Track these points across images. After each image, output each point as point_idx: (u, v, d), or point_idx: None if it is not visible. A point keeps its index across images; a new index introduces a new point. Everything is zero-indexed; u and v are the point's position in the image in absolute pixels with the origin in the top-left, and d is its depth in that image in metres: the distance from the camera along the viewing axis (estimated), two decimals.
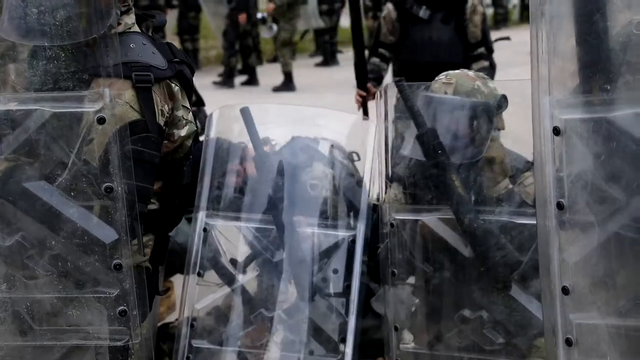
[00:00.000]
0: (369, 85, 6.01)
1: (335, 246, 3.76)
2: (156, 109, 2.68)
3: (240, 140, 3.86)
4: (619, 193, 2.04)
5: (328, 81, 14.18)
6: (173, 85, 2.75)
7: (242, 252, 3.80)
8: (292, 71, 13.38)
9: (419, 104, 3.33)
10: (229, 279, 3.76)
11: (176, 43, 13.42)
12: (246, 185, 3.84)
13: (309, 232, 3.74)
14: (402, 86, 3.29)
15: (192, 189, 3.98)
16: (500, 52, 15.72)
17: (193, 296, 3.74)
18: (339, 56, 16.68)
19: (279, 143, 3.97)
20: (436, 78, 3.44)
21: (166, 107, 2.72)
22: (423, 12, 6.48)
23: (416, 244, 3.31)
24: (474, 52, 6.49)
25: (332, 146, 3.93)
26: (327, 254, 3.75)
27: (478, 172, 3.29)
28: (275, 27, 13.51)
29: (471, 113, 3.33)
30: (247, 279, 3.76)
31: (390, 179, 3.42)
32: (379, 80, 6.40)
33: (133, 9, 2.82)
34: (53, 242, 2.42)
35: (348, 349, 3.64)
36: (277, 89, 13.10)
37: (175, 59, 2.78)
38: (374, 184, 3.78)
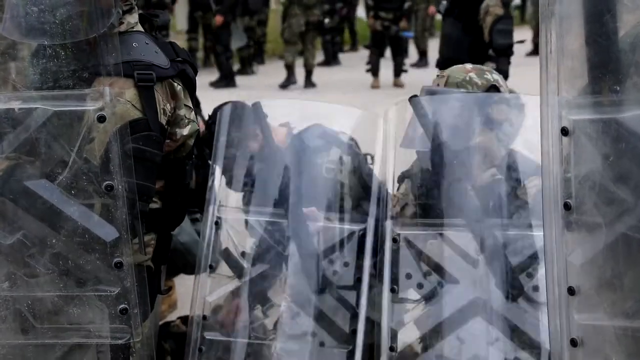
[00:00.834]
0: None
1: (346, 239, 3.77)
2: (158, 108, 2.69)
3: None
4: (627, 194, 2.03)
5: (329, 80, 14.19)
6: (175, 84, 2.76)
7: (252, 244, 3.82)
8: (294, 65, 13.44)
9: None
10: (240, 272, 3.78)
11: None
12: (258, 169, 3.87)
13: (320, 225, 3.75)
14: (416, 102, 3.30)
15: (195, 190, 4.00)
16: None
17: (205, 289, 3.76)
18: (341, 56, 16.69)
19: (298, 128, 4.01)
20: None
21: (168, 106, 2.73)
22: (442, 7, 6.58)
23: (421, 260, 3.31)
24: (487, 53, 6.50)
25: (351, 138, 3.95)
26: (338, 246, 3.76)
27: (471, 159, 3.30)
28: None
29: (459, 103, 3.36)
30: (258, 271, 3.78)
31: (399, 180, 3.43)
32: None
33: (136, 8, 2.83)
34: (54, 241, 2.42)
35: (359, 340, 3.65)
36: (283, 86, 13.17)
37: (178, 58, 2.79)
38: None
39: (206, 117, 4.74)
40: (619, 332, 2.14)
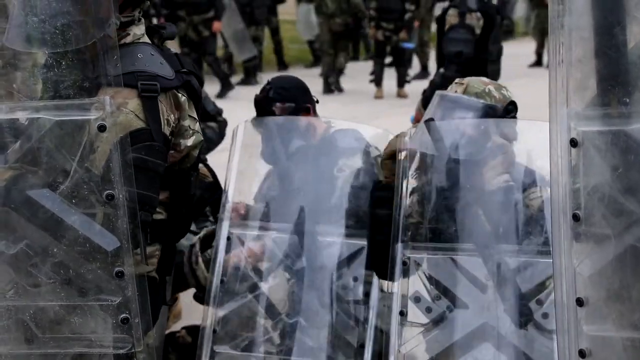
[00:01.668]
0: None
1: (356, 254, 3.78)
2: (162, 119, 2.70)
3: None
4: (636, 206, 2.03)
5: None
6: (180, 95, 2.77)
7: (264, 259, 3.85)
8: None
9: (433, 101, 3.36)
10: (251, 286, 3.80)
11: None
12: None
13: (329, 240, 3.77)
14: (431, 125, 3.31)
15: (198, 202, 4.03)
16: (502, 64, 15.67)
17: (215, 303, 3.77)
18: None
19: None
20: None
21: (172, 117, 2.74)
22: None
23: (430, 283, 3.31)
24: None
25: (378, 155, 3.97)
26: (347, 261, 3.78)
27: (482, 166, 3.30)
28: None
29: (478, 113, 3.36)
30: (269, 286, 3.79)
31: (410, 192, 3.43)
32: None
33: (142, 20, 2.84)
34: (56, 250, 2.43)
35: (367, 355, 3.66)
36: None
37: (183, 70, 2.80)
38: None
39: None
40: (627, 344, 2.15)
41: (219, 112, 5.80)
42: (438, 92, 3.51)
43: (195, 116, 2.87)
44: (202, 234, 4.17)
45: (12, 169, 2.45)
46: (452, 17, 6.80)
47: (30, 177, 2.43)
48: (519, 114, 3.55)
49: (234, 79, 14.32)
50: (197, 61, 13.33)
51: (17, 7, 2.40)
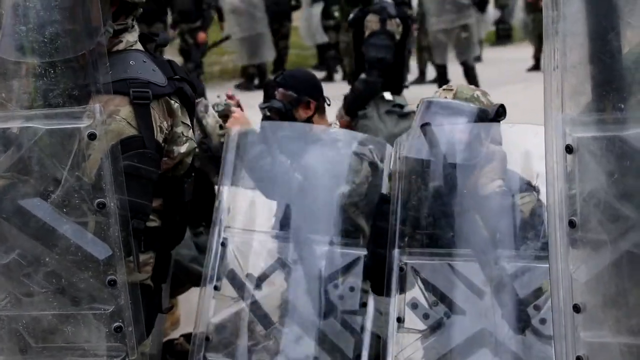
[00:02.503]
0: None
1: (352, 264, 3.78)
2: (154, 126, 2.69)
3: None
4: (632, 211, 2.03)
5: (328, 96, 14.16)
6: (172, 102, 2.76)
7: (258, 267, 3.83)
8: None
9: (421, 108, 3.36)
10: (244, 293, 3.79)
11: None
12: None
13: (326, 249, 3.76)
14: (428, 130, 3.30)
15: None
16: (495, 69, 15.71)
17: (209, 310, 3.76)
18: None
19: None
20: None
21: (165, 124, 2.74)
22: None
23: (427, 290, 3.30)
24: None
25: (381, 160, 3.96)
26: (343, 271, 3.77)
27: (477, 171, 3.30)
28: None
29: (471, 117, 3.36)
30: (263, 294, 3.78)
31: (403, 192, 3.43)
32: None
33: (135, 27, 2.84)
34: (48, 259, 2.43)
35: None
36: None
37: (176, 76, 2.79)
38: None
39: None
40: (624, 349, 2.14)
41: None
42: (425, 99, 3.51)
43: (189, 123, 2.86)
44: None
45: (3, 178, 2.45)
46: (373, 23, 6.97)
47: (21, 187, 2.43)
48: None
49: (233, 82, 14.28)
50: (196, 67, 13.35)
51: (8, 17, 2.40)
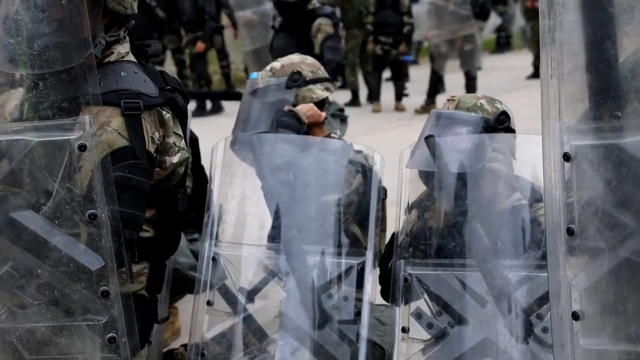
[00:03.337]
0: None
1: (345, 273, 3.77)
2: (146, 136, 2.69)
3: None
4: (630, 219, 2.04)
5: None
6: (164, 112, 2.76)
7: (251, 280, 3.82)
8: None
9: (428, 120, 3.38)
10: (238, 308, 3.78)
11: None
12: None
13: (318, 260, 3.75)
14: (431, 142, 3.32)
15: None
16: (495, 76, 15.73)
17: (202, 325, 3.75)
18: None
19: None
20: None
21: (157, 134, 2.74)
22: (277, 23, 7.16)
23: (432, 300, 3.31)
24: None
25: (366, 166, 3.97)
26: (336, 281, 3.76)
27: (486, 185, 3.31)
28: None
29: (472, 127, 3.38)
30: (257, 307, 3.77)
31: (409, 208, 3.44)
32: None
33: (127, 38, 2.85)
34: (41, 271, 2.43)
35: None
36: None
37: (168, 87, 2.80)
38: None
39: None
40: (623, 357, 2.14)
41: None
42: (433, 111, 3.55)
43: (181, 133, 2.86)
44: None
45: None
46: (327, 27, 7.17)
47: (13, 199, 2.43)
48: (517, 126, 3.57)
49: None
50: (199, 78, 13.37)
51: (3, 29, 2.41)
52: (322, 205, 3.91)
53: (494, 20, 20.05)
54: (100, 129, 2.61)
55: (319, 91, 4.26)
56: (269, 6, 13.22)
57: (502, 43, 21.53)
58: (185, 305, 5.42)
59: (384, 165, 3.98)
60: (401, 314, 3.32)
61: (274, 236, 3.83)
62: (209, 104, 13.39)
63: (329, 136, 4.22)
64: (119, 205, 2.52)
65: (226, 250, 3.88)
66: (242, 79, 14.94)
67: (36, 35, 2.39)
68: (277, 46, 7.47)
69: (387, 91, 14.15)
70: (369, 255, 3.79)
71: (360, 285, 3.79)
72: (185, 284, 4.75)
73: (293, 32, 7.27)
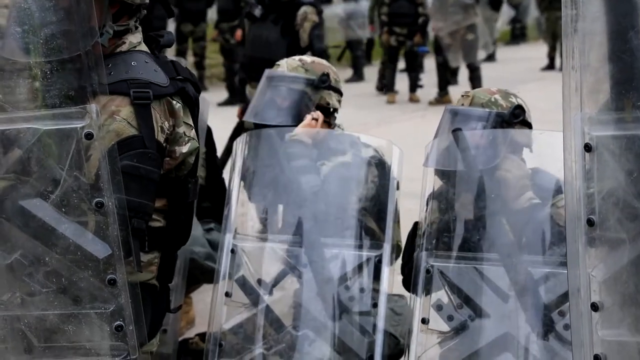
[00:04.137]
0: None
1: (362, 265, 3.78)
2: (155, 126, 2.70)
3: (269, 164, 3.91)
4: None
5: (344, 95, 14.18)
6: (174, 102, 2.77)
7: (269, 272, 3.84)
8: None
9: (444, 116, 3.38)
10: (256, 299, 3.80)
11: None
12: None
13: (336, 252, 3.76)
14: (459, 135, 3.32)
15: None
16: (509, 68, 15.70)
17: (221, 316, 3.77)
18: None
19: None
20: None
21: (167, 124, 2.74)
22: (258, 12, 7.11)
23: (453, 292, 3.30)
24: (302, 53, 7.05)
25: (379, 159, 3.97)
26: (353, 273, 3.77)
27: (499, 182, 3.30)
28: None
29: (486, 122, 3.37)
30: (274, 298, 3.79)
31: (430, 198, 3.44)
32: None
33: (139, 28, 2.85)
34: (49, 259, 2.43)
35: None
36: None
37: (179, 77, 2.80)
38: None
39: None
40: None
41: None
42: (447, 107, 3.54)
43: (191, 123, 2.86)
44: None
45: (4, 179, 2.46)
46: (313, 16, 7.22)
47: (22, 187, 2.44)
48: (532, 118, 3.56)
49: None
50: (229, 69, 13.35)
51: (11, 18, 2.42)
52: (340, 198, 3.92)
53: (508, 11, 20.00)
54: (110, 118, 2.62)
55: (334, 99, 4.24)
56: None
57: (517, 34, 21.47)
58: (200, 295, 5.44)
59: (402, 159, 3.98)
60: (421, 305, 3.32)
61: (292, 228, 3.84)
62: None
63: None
64: (127, 194, 2.53)
65: (245, 243, 3.90)
66: None
67: (43, 24, 2.40)
68: (258, 35, 7.41)
69: (401, 82, 14.14)
70: (387, 248, 3.80)
71: (377, 277, 3.80)
72: (201, 274, 4.76)
73: (277, 21, 7.26)
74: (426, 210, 3.43)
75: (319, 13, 7.42)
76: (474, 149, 3.33)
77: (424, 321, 3.32)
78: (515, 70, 16.21)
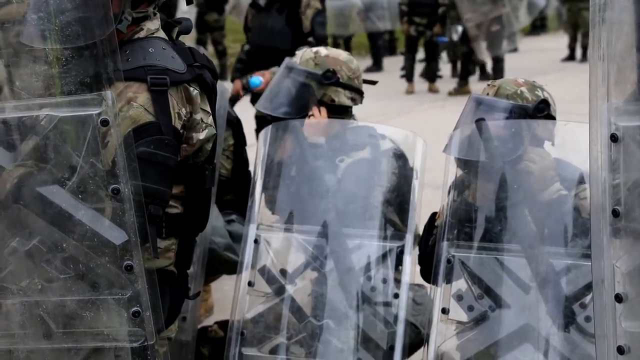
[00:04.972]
0: None
1: (384, 256, 3.78)
2: (172, 112, 2.69)
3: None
4: None
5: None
6: (191, 88, 2.76)
7: (291, 262, 3.85)
8: None
9: (467, 104, 3.36)
10: (278, 289, 3.81)
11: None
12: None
13: (358, 242, 3.76)
14: (483, 125, 3.30)
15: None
16: (530, 59, 15.64)
17: (243, 305, 3.79)
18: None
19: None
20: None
21: (184, 111, 2.74)
22: (262, 1, 7.09)
23: (474, 282, 3.29)
24: (307, 41, 7.02)
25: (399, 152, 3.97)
26: (375, 263, 3.77)
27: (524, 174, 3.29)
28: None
29: (506, 115, 3.36)
30: (296, 288, 3.80)
31: (451, 188, 3.43)
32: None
33: (158, 15, 2.86)
34: (67, 245, 2.44)
35: (397, 357, 3.65)
36: None
37: (196, 63, 2.80)
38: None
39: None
40: None
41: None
42: (472, 96, 3.52)
43: (208, 109, 2.86)
44: None
45: (22, 166, 2.47)
46: (316, 2, 7.21)
47: (39, 174, 2.44)
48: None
49: None
50: None
51: (30, 5, 2.42)
52: (362, 189, 3.92)
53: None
54: (127, 104, 2.62)
55: (343, 97, 4.19)
56: None
57: (538, 25, 21.37)
58: (218, 283, 5.45)
59: (426, 150, 3.97)
60: (442, 295, 3.31)
61: (315, 219, 3.85)
62: None
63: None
64: (143, 180, 2.53)
65: (268, 233, 3.91)
66: None
67: (59, 11, 2.40)
68: (263, 24, 7.40)
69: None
70: (409, 238, 3.80)
71: (397, 267, 3.80)
72: (220, 264, 4.77)
73: (281, 10, 7.26)
74: (447, 199, 3.42)
75: (322, 0, 7.42)
76: (497, 139, 3.32)
77: (444, 311, 3.31)
78: (535, 61, 16.15)
